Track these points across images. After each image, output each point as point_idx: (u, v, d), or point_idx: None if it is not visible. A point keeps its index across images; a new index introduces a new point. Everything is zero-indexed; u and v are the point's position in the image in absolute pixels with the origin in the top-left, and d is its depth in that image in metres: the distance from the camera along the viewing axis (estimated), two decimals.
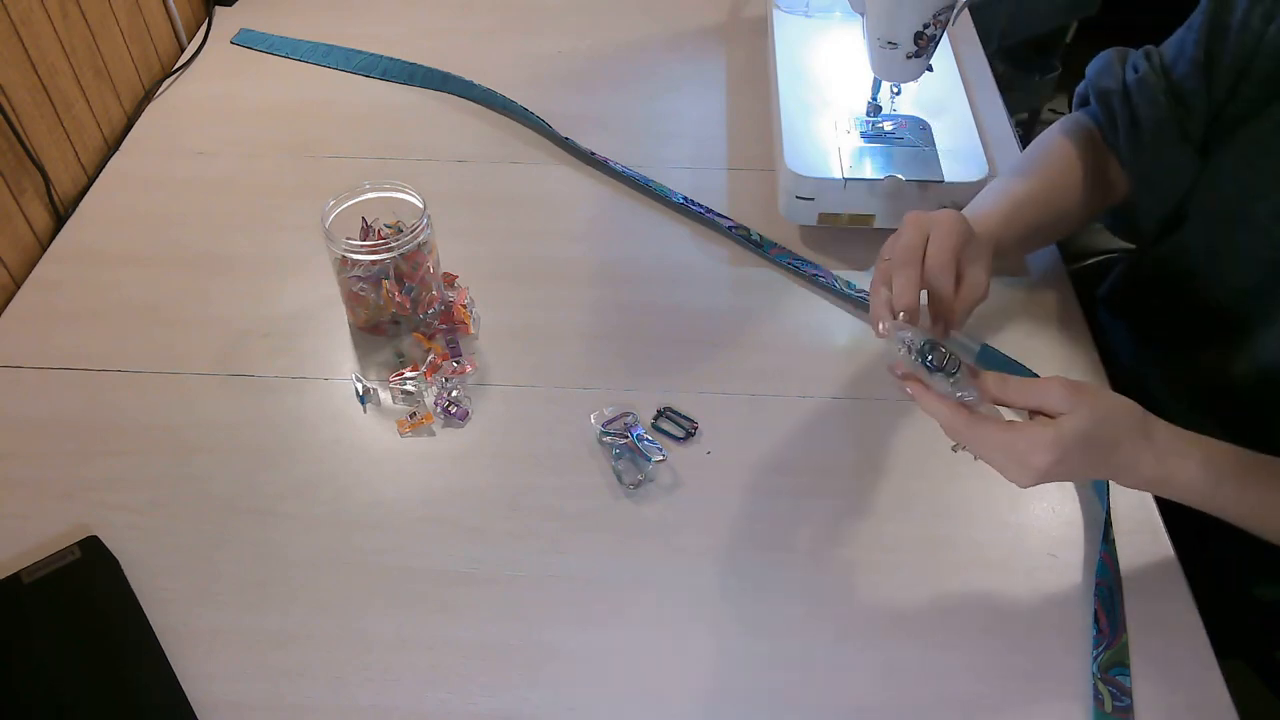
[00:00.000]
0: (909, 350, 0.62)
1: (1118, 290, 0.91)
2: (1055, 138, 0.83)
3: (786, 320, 0.87)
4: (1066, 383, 0.59)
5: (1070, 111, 0.86)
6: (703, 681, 0.64)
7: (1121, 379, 0.82)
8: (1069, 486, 0.74)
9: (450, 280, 0.88)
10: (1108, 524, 0.70)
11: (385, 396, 0.81)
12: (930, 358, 0.61)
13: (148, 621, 0.66)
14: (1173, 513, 0.70)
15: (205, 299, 0.88)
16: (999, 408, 0.62)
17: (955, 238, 0.68)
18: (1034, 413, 0.60)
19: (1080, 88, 0.84)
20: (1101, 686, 0.63)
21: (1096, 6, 1.79)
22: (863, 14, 0.87)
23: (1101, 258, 1.03)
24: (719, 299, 0.89)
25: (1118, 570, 0.69)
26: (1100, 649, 0.65)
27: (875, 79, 0.92)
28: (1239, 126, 0.73)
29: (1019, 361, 0.79)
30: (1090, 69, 0.82)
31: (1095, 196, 0.82)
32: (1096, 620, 0.66)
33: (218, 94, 1.12)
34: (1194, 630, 0.66)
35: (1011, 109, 1.11)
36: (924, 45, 0.84)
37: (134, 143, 1.05)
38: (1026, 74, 1.89)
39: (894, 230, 0.75)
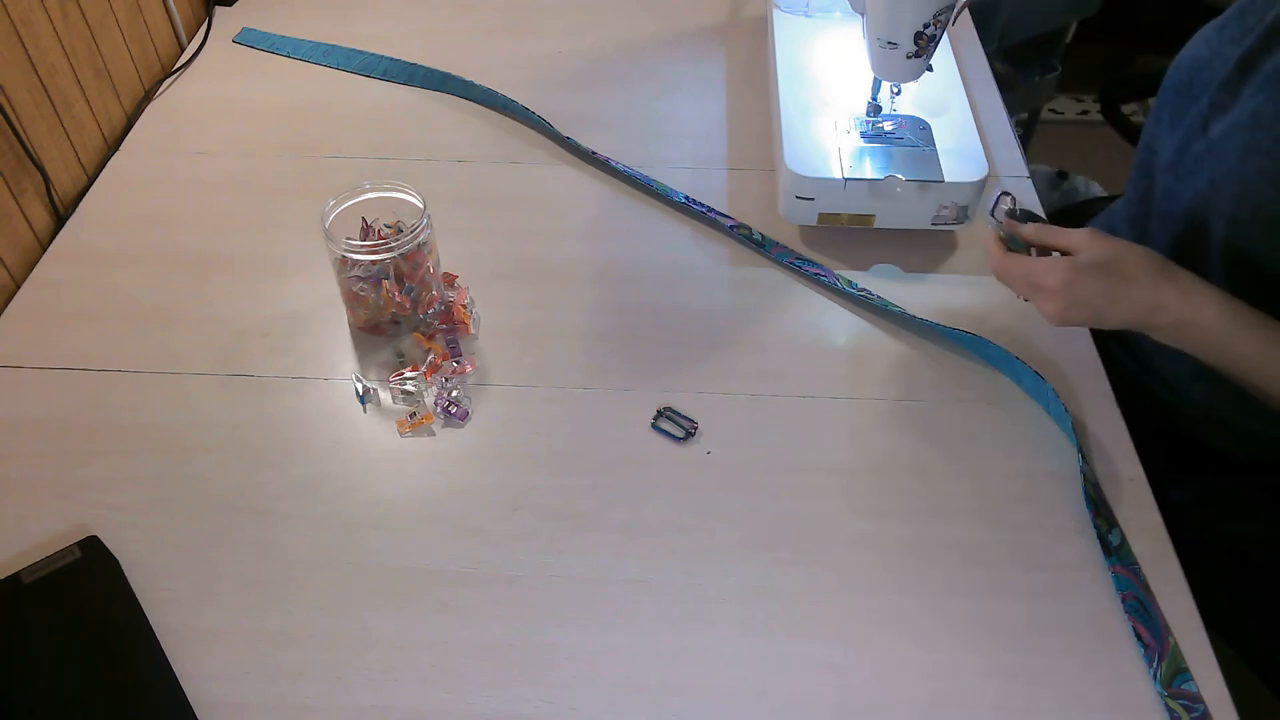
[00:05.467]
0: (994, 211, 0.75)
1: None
2: None
3: (786, 320, 0.87)
4: (1090, 230, 0.69)
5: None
6: (703, 681, 0.64)
7: (1122, 369, 0.83)
8: (1067, 493, 0.74)
9: (450, 280, 0.88)
10: (1104, 541, 0.70)
11: (385, 396, 0.81)
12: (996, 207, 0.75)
13: (148, 621, 0.66)
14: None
15: (205, 299, 0.88)
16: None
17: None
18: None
19: None
20: (1174, 704, 0.62)
21: (1096, 6, 1.79)
22: (863, 14, 0.87)
23: None
24: (719, 299, 0.89)
25: (1140, 579, 0.68)
26: (1156, 665, 0.64)
27: (875, 79, 0.92)
28: None
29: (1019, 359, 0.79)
30: None
31: None
32: (1139, 637, 0.65)
33: (218, 94, 1.12)
34: (1193, 625, 0.66)
35: (1011, 109, 1.11)
36: (924, 45, 0.84)
37: (134, 143, 1.05)
38: (1026, 74, 1.89)
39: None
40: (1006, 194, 0.74)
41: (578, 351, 0.84)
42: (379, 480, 0.75)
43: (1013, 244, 0.74)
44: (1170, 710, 0.62)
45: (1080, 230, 0.70)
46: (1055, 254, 0.71)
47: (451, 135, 1.06)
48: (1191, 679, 0.63)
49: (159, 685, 0.63)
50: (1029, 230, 0.73)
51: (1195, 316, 0.67)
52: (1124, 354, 0.90)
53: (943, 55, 1.01)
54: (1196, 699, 0.62)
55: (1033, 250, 0.73)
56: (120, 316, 0.87)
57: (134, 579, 0.68)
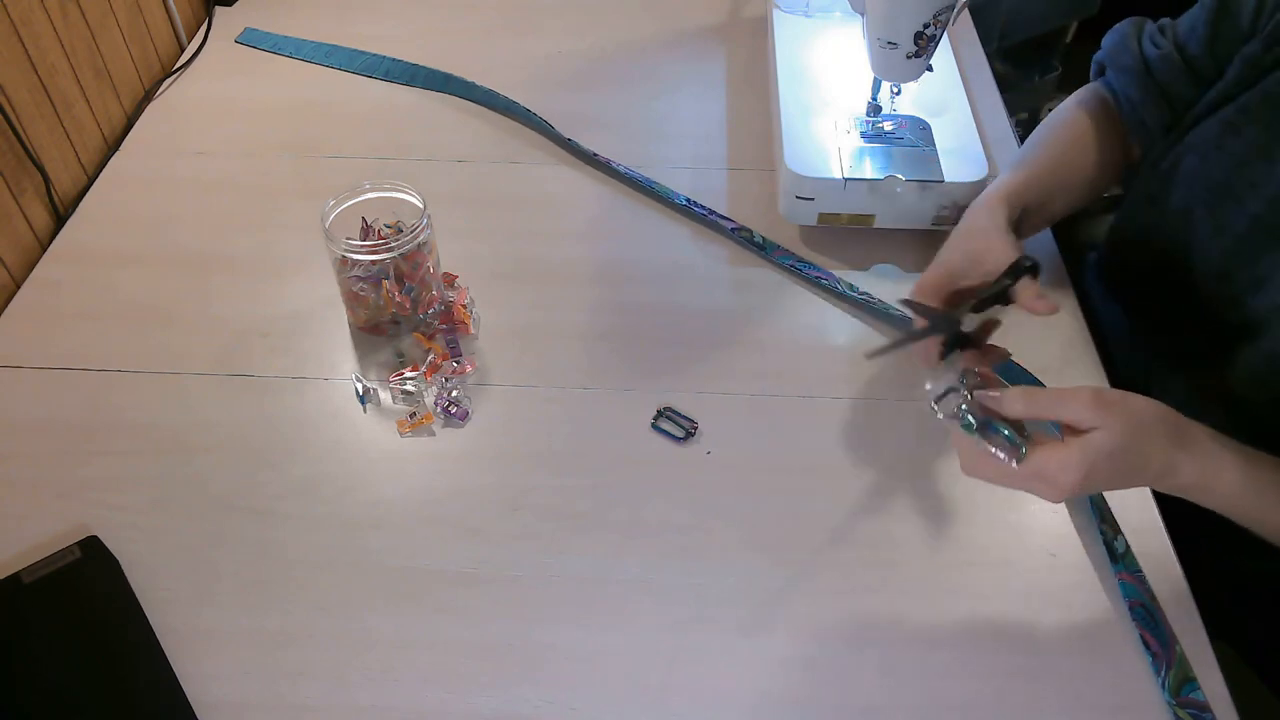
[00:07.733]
0: (942, 411, 0.62)
1: (1106, 262, 0.92)
2: (1071, 112, 0.86)
3: (786, 320, 0.87)
4: (1093, 395, 0.58)
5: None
6: (703, 681, 0.64)
7: (1117, 365, 0.82)
8: None
9: (450, 280, 0.88)
10: (1109, 547, 0.70)
11: (385, 396, 0.81)
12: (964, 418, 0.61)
13: (148, 621, 0.66)
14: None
15: (205, 299, 0.88)
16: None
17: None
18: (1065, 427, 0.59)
19: (1098, 57, 0.86)
20: (1182, 714, 0.61)
21: (1096, 6, 1.80)
22: (863, 14, 0.87)
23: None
24: (719, 299, 0.89)
25: (1145, 586, 0.68)
26: (1164, 674, 0.63)
27: (875, 79, 0.92)
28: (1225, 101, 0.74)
29: (1035, 376, 0.79)
30: (1106, 41, 0.84)
31: (1110, 168, 0.84)
32: (1147, 645, 0.65)
33: (218, 94, 1.12)
34: (1193, 625, 0.66)
35: (1011, 109, 1.11)
36: (924, 45, 0.84)
37: (134, 143, 1.05)
38: (1026, 74, 1.89)
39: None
40: (960, 384, 0.61)
41: (578, 351, 0.84)
42: (379, 480, 0.75)
43: (964, 425, 0.61)
44: (1178, 719, 0.61)
45: (1080, 393, 0.59)
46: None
47: (451, 135, 1.06)
48: (1199, 688, 0.62)
49: (159, 685, 0.63)
50: (1019, 407, 0.60)
51: (1213, 483, 0.61)
52: (1135, 376, 0.88)
53: (943, 55, 1.01)
54: (1205, 708, 0.62)
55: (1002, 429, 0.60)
56: (120, 316, 0.87)
57: (134, 579, 0.68)
